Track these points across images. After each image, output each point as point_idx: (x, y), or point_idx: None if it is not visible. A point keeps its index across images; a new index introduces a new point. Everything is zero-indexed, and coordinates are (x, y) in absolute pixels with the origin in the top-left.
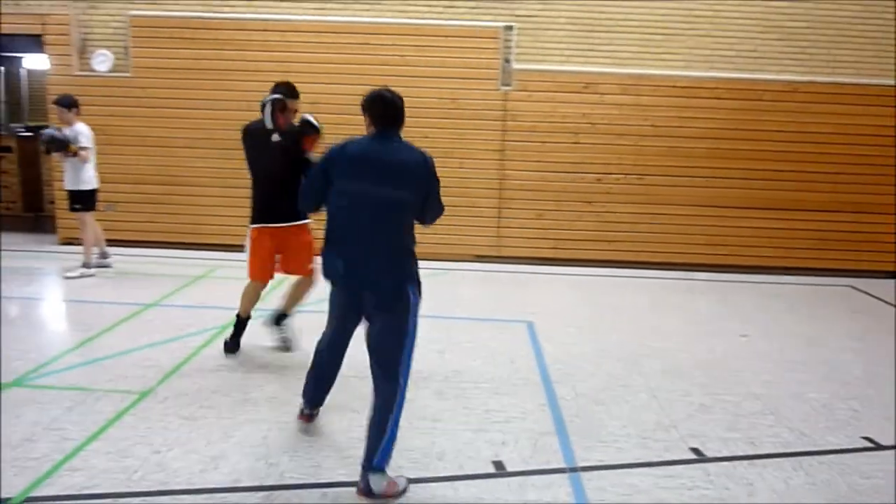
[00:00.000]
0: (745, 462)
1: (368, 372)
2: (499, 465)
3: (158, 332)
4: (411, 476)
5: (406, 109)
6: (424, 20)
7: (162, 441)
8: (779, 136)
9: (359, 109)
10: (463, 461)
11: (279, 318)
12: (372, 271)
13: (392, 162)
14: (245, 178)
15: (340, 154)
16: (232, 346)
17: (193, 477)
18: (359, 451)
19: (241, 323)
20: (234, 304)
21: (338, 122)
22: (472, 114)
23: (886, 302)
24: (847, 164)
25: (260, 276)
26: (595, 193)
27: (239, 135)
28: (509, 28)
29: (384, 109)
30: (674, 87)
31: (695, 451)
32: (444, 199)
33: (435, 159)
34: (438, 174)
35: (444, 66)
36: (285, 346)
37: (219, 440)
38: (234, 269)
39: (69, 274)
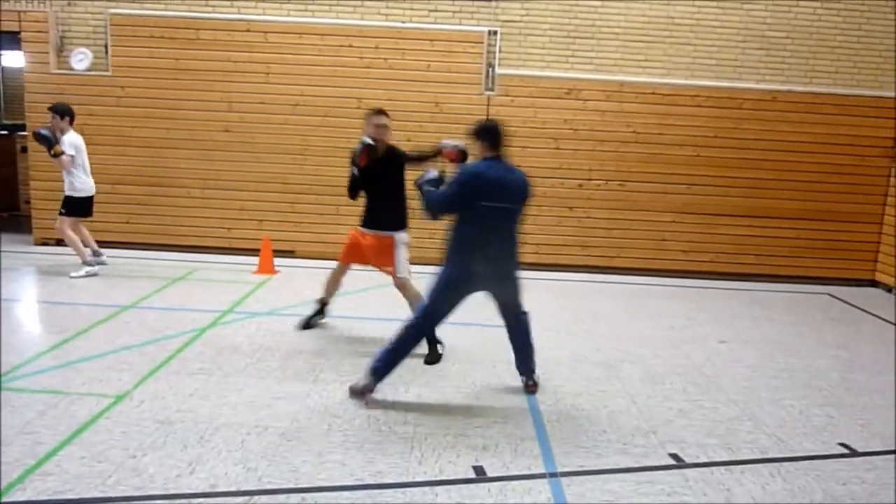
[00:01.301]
0: (723, 468)
1: (347, 378)
2: (479, 469)
3: (135, 334)
4: (389, 482)
5: (389, 113)
6: (409, 24)
7: (137, 445)
8: (758, 145)
9: (342, 112)
10: (443, 466)
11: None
12: (505, 264)
13: (515, 182)
14: (224, 178)
15: (478, 178)
16: (310, 323)
17: (169, 482)
18: (337, 455)
19: (322, 305)
20: (213, 307)
21: (320, 125)
22: (456, 118)
23: (864, 310)
24: (825, 172)
25: (344, 257)
26: (576, 199)
27: (221, 135)
28: (493, 33)
29: (499, 138)
30: (655, 94)
31: (674, 456)
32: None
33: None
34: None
35: (427, 69)
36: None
37: (196, 444)
38: (213, 272)
39: (74, 274)
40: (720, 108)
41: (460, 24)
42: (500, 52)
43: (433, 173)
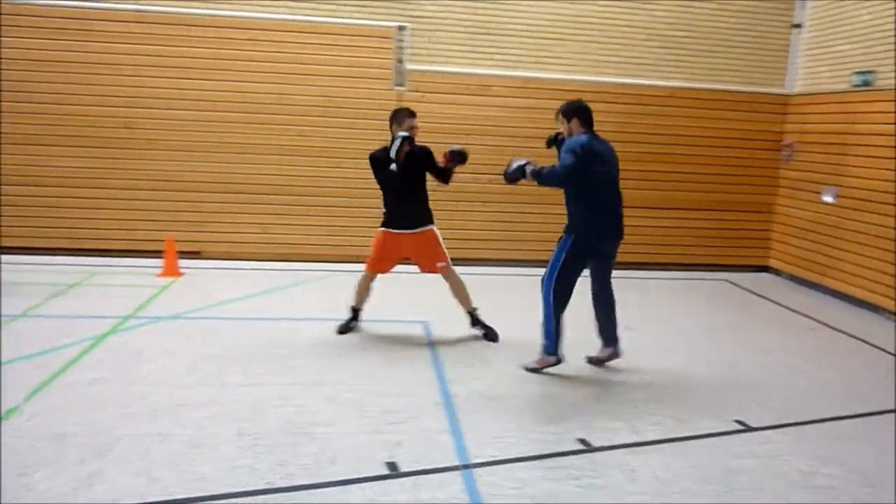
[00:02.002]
0: (629, 450)
1: (257, 382)
2: (392, 465)
3: (27, 345)
4: (301, 483)
5: (298, 108)
6: (315, 17)
7: (29, 462)
8: (659, 140)
9: (250, 107)
10: (356, 464)
11: (472, 320)
12: (620, 224)
13: (613, 153)
14: (123, 177)
15: (592, 149)
16: (346, 328)
17: (65, 498)
18: (246, 459)
19: (355, 314)
20: (114, 312)
21: (224, 120)
22: (367, 114)
23: (758, 294)
24: (722, 165)
25: (375, 268)
26: (490, 194)
27: (118, 132)
28: (402, 28)
29: (591, 116)
30: (562, 90)
31: (582, 441)
32: (340, 200)
33: (329, 159)
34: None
35: (336, 64)
36: (491, 337)
37: (93, 457)
38: (114, 276)
39: None
40: (624, 104)
41: (369, 19)
42: (409, 47)
43: (520, 161)
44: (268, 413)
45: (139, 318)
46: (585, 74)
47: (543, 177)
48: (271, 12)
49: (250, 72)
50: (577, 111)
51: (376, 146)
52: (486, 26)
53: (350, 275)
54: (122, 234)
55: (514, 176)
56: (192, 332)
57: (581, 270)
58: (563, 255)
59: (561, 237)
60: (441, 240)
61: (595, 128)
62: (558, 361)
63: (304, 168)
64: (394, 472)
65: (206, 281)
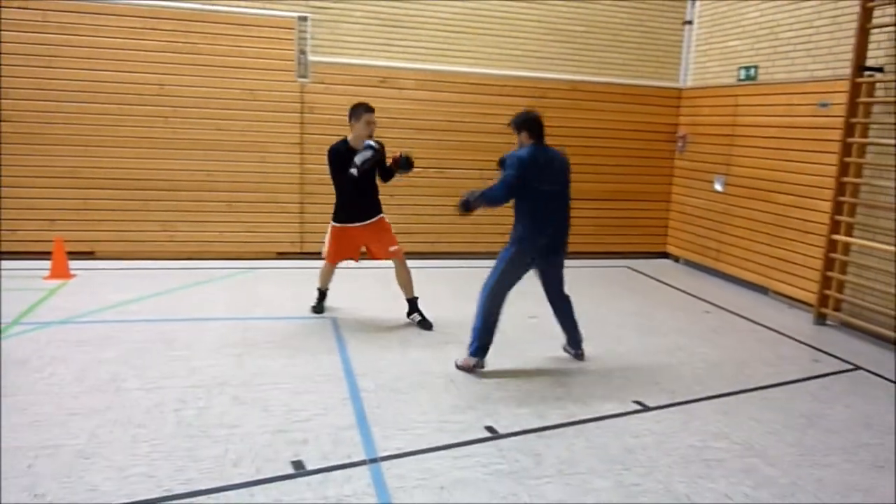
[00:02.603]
0: (535, 434)
1: (155, 385)
2: (298, 464)
3: None
4: (202, 488)
5: (197, 99)
6: (214, 6)
7: None
8: (560, 132)
9: (144, 99)
10: (260, 465)
11: (411, 308)
12: (563, 238)
13: (563, 163)
14: (7, 174)
15: (531, 162)
16: (318, 309)
17: None
18: (141, 467)
19: (322, 294)
20: None
21: (118, 114)
22: (270, 106)
23: (657, 279)
24: (620, 156)
25: (334, 260)
26: (398, 186)
27: None
28: (304, 19)
29: (540, 126)
30: (467, 83)
31: (489, 429)
32: (243, 196)
33: (230, 153)
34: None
35: (237, 55)
36: (426, 325)
37: None
38: None
39: None
40: (527, 98)
41: (270, 9)
42: (311, 38)
43: (465, 194)
44: (166, 417)
45: (24, 325)
46: (490, 68)
47: (485, 198)
48: (169, 0)
49: (145, 62)
50: (525, 123)
51: (282, 139)
52: (390, 18)
53: (256, 272)
54: (5, 234)
55: (465, 208)
56: (83, 336)
57: (517, 280)
58: (503, 265)
59: (505, 245)
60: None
61: (497, 120)
62: (481, 365)
63: (203, 162)
64: (299, 470)
65: (99, 282)
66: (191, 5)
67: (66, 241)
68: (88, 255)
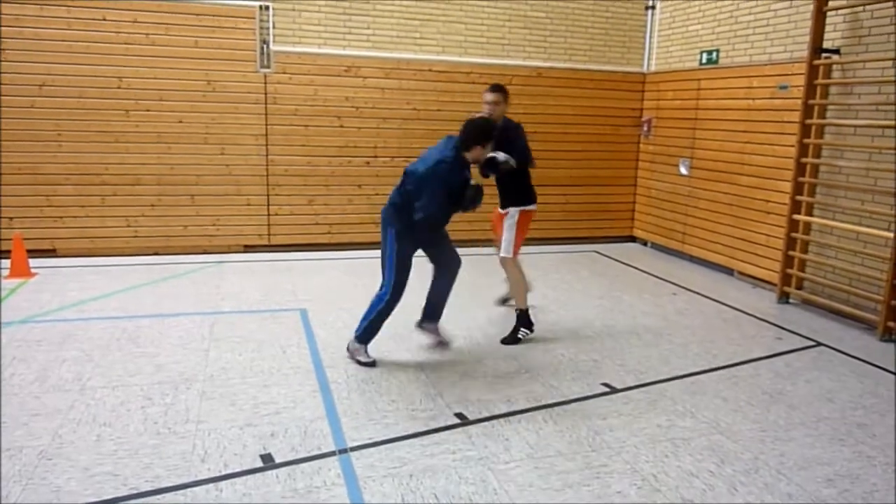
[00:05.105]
0: (503, 420)
1: (120, 383)
2: (267, 458)
3: None
4: (168, 485)
5: (158, 91)
6: None
7: None
8: (527, 119)
9: (100, 92)
10: (228, 459)
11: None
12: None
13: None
14: None
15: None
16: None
17: None
18: (107, 466)
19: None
20: None
21: (75, 108)
22: (232, 97)
23: (624, 263)
24: (587, 142)
25: (518, 249)
26: (364, 177)
27: None
28: (265, 8)
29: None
30: (431, 71)
31: (459, 416)
32: (207, 189)
33: (193, 146)
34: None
35: (196, 46)
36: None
37: None
38: None
39: None
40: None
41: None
42: (273, 28)
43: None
44: (132, 415)
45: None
46: (453, 55)
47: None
48: None
49: (103, 54)
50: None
51: (246, 130)
52: (351, 7)
53: (223, 266)
54: None
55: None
56: (44, 336)
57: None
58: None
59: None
60: (513, 228)
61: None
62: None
63: (166, 156)
64: (268, 463)
65: (61, 280)
66: None
67: (26, 238)
68: (50, 253)
